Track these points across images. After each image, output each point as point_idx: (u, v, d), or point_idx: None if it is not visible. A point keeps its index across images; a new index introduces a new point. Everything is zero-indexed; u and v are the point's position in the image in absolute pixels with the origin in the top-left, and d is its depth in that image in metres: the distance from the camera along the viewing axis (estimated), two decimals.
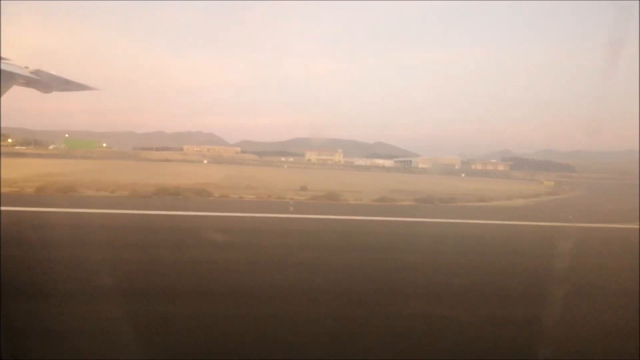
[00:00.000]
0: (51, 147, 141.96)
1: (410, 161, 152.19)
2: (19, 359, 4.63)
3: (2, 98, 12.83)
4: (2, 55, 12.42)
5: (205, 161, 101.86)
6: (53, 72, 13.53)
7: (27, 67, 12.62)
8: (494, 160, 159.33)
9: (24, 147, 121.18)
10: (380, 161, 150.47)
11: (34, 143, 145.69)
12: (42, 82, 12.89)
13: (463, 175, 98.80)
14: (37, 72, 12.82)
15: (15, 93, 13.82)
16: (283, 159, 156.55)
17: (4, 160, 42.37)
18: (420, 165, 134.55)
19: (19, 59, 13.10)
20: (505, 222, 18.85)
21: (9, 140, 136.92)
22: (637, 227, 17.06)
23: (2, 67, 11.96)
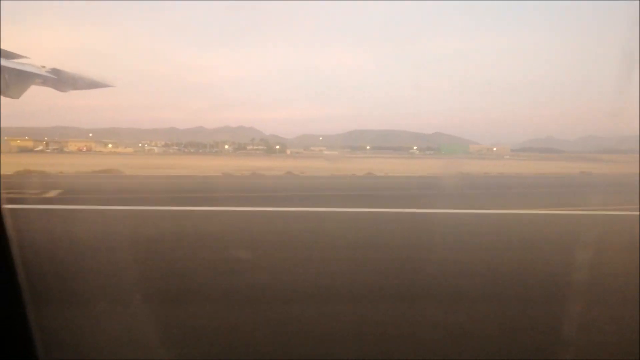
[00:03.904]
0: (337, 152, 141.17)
1: None
2: None
3: (23, 97, 13.45)
4: (23, 55, 13.03)
5: None
6: (69, 70, 14.13)
7: (44, 67, 13.23)
8: None
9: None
10: None
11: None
12: (59, 80, 13.45)
13: None
14: (53, 70, 13.42)
15: (41, 92, 14.47)
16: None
17: None
18: None
19: (45, 58, 13.66)
20: None
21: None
22: None
23: (20, 67, 12.54)
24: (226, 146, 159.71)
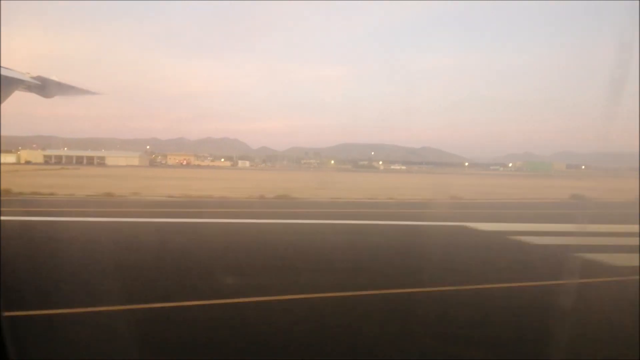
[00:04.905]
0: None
1: None
2: None
3: (4, 104, 13.11)
4: (4, 63, 12.72)
5: None
6: (54, 77, 13.85)
7: (28, 73, 12.94)
8: None
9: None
10: None
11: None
12: (44, 87, 13.17)
13: None
14: (38, 77, 13.13)
15: (20, 100, 14.13)
16: None
17: None
18: None
19: (26, 66, 13.31)
20: None
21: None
22: None
23: (4, 73, 12.23)
24: (361, 163, 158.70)
